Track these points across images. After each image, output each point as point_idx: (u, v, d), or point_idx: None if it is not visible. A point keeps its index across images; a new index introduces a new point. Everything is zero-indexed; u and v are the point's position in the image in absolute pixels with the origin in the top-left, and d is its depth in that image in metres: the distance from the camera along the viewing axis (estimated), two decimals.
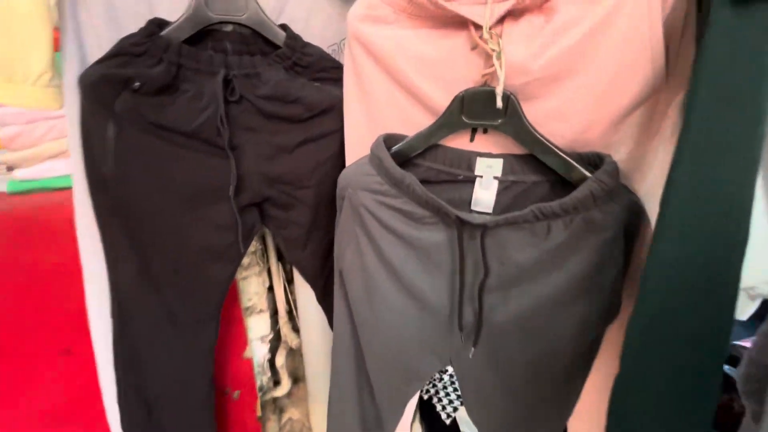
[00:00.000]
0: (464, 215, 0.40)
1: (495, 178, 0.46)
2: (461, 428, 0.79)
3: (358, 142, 0.50)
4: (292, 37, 0.51)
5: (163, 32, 0.47)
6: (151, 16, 0.48)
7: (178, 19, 0.47)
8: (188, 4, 0.47)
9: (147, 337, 0.52)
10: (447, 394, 0.80)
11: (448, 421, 0.81)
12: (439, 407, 0.81)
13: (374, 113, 0.48)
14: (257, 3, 0.49)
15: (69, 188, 0.51)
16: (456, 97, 0.42)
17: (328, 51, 0.55)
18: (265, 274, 0.76)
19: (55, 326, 0.57)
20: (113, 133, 0.46)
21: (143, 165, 0.48)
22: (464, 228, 0.42)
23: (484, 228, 0.41)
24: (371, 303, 0.49)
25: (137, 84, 0.45)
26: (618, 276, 0.39)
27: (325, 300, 0.64)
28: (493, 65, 0.40)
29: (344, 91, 0.49)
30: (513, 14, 0.39)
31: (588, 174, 0.40)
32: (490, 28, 0.39)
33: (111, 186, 0.48)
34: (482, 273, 0.43)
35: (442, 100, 0.44)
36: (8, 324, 0.57)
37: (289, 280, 0.79)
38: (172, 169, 0.49)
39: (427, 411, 0.81)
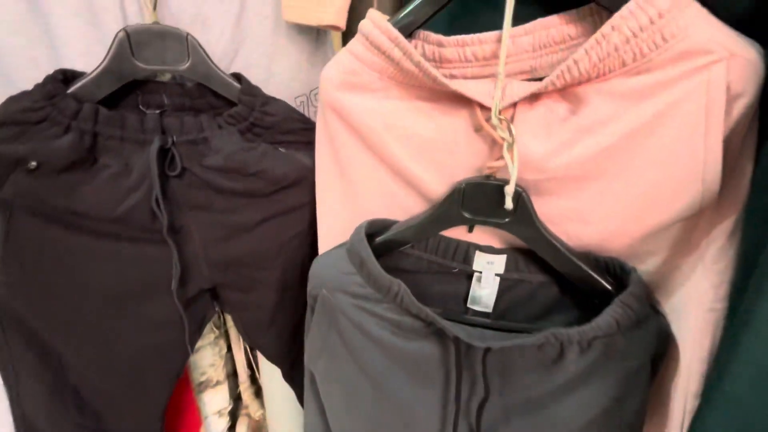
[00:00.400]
0: (465, 335, 0.33)
1: (497, 275, 0.39)
2: None
3: (333, 224, 0.41)
4: (249, 92, 0.40)
5: (72, 89, 0.35)
6: (52, 64, 0.36)
7: (93, 71, 0.36)
8: (107, 49, 0.36)
9: None
10: None
11: None
12: None
13: (353, 192, 0.39)
14: (202, 49, 0.38)
15: None
16: (455, 189, 0.35)
17: (295, 104, 0.45)
18: (222, 340, 0.66)
19: None
20: (2, 228, 0.34)
21: (49, 264, 0.36)
22: (461, 346, 0.35)
23: (487, 349, 0.34)
24: (351, 417, 0.41)
25: (33, 164, 0.33)
26: (641, 410, 0.34)
27: (293, 378, 0.56)
28: (501, 157, 0.32)
29: (317, 162, 0.40)
30: (529, 96, 0.32)
31: (609, 287, 0.34)
32: (500, 112, 0.32)
33: (2, 294, 0.36)
34: (482, 393, 0.36)
35: (437, 186, 0.36)
36: None
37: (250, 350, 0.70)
38: (90, 265, 0.38)
39: None
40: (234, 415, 0.71)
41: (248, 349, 0.70)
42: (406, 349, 0.37)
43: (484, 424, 0.37)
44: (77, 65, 0.36)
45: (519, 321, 0.39)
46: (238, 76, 0.41)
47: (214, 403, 0.66)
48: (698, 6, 0.27)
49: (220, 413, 0.67)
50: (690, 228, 0.31)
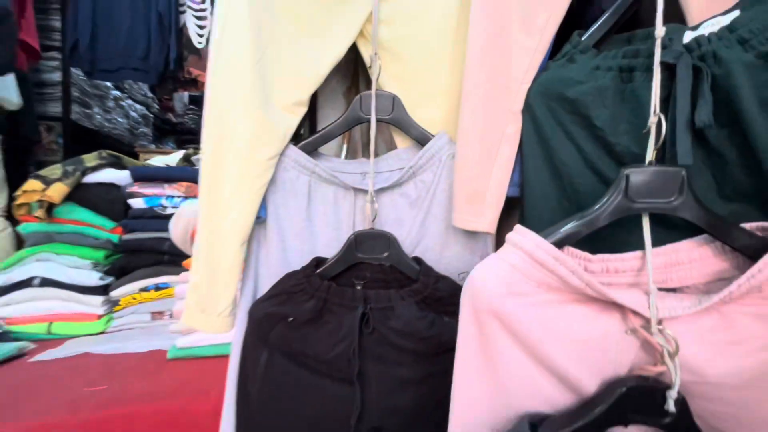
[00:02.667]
0: None
1: None
2: None
3: (472, 415, 0.45)
4: (426, 273, 0.54)
5: (319, 270, 0.55)
6: (311, 253, 0.57)
7: (332, 258, 0.55)
8: (343, 245, 0.56)
9: None
10: None
11: None
12: None
13: (502, 387, 0.44)
14: (398, 245, 0.55)
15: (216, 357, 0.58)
16: (617, 391, 0.38)
17: (458, 279, 0.57)
18: None
19: None
20: (264, 359, 0.52)
21: (284, 388, 0.52)
22: None
23: None
24: None
25: (293, 318, 0.51)
26: None
27: None
28: (657, 362, 0.36)
29: (458, 359, 0.46)
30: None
31: None
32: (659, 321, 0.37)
33: (253, 402, 0.52)
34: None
35: (588, 382, 0.40)
36: None
37: None
38: (306, 393, 0.52)
39: None
40: None
41: None
42: None
43: None
44: (326, 254, 0.57)
45: None
46: (418, 260, 0.56)
47: None
48: None
49: None
50: None
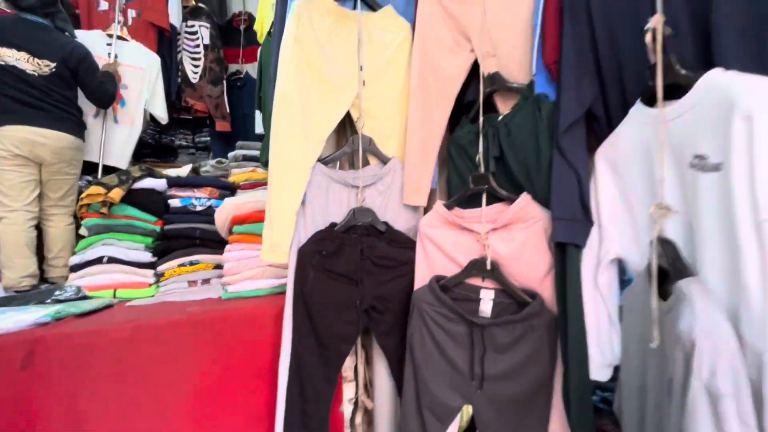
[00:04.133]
0: (474, 319, 0.88)
1: (491, 299, 0.94)
2: None
3: (422, 280, 1.01)
4: (390, 228, 1.07)
5: (335, 228, 1.05)
6: (329, 220, 1.07)
7: (341, 222, 1.06)
8: (345, 215, 1.06)
9: (309, 380, 0.98)
10: None
11: None
12: None
13: (433, 268, 0.99)
14: (376, 215, 1.07)
15: (260, 296, 1.05)
16: (472, 261, 0.94)
17: (406, 231, 1.11)
18: (355, 356, 1.21)
19: (255, 373, 1.04)
20: (311, 275, 1.00)
21: (322, 289, 1.01)
22: (474, 325, 0.89)
23: (483, 326, 0.88)
24: (427, 364, 0.94)
25: (324, 252, 1.01)
26: (552, 359, 0.84)
27: (397, 372, 1.08)
28: (485, 252, 0.93)
29: (416, 258, 1.02)
30: (496, 229, 0.93)
31: (530, 300, 0.88)
32: (486, 235, 0.93)
33: (306, 298, 1.00)
34: (482, 348, 0.88)
35: (463, 262, 0.96)
36: (223, 372, 1.05)
37: (368, 361, 1.23)
38: (333, 289, 1.01)
39: None
40: (356, 404, 1.19)
41: (366, 368, 1.23)
42: (450, 328, 0.92)
43: (485, 366, 0.88)
44: (337, 220, 1.07)
45: (497, 317, 0.92)
46: (386, 223, 1.09)
47: (347, 392, 1.17)
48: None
49: (350, 401, 1.17)
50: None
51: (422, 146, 1.07)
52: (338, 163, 1.17)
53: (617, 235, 0.77)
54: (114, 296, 1.32)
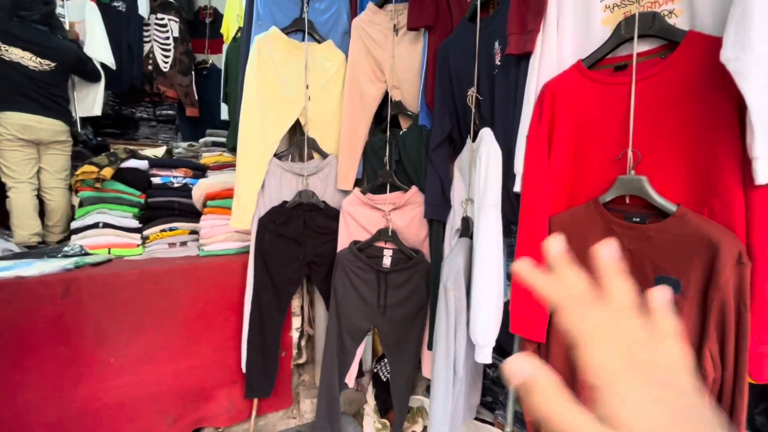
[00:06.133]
0: (380, 268, 1.35)
1: (390, 255, 1.41)
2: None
3: (343, 243, 1.46)
4: (326, 206, 1.50)
5: (286, 205, 1.46)
6: (282, 198, 1.48)
7: (291, 201, 1.47)
8: (294, 196, 1.48)
9: (266, 310, 1.42)
10: (384, 366, 1.64)
11: (385, 379, 1.64)
12: (381, 374, 1.65)
13: (351, 234, 1.45)
14: (317, 197, 1.50)
15: (229, 254, 1.46)
16: (378, 230, 1.40)
17: (338, 208, 1.54)
18: (300, 297, 1.65)
19: (227, 306, 1.46)
20: (267, 237, 1.42)
21: (275, 247, 1.43)
22: (379, 272, 1.36)
23: (386, 272, 1.36)
24: (346, 300, 1.41)
25: (277, 221, 1.43)
26: (426, 288, 1.33)
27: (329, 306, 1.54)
28: (388, 224, 1.39)
29: (339, 228, 1.46)
30: (395, 209, 1.39)
31: (415, 255, 1.36)
32: (388, 212, 1.39)
33: (264, 254, 1.43)
34: (386, 286, 1.36)
35: (373, 229, 1.42)
36: (204, 305, 1.46)
37: (311, 303, 1.69)
38: (283, 248, 1.44)
39: (376, 378, 1.63)
40: (300, 335, 1.66)
41: (308, 307, 1.69)
42: (365, 276, 1.39)
43: (387, 299, 1.37)
44: (288, 199, 1.49)
45: (395, 267, 1.40)
46: (324, 202, 1.51)
47: (295, 323, 1.62)
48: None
49: (296, 330, 1.62)
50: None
51: (351, 147, 1.50)
52: (290, 157, 1.58)
53: (460, 215, 1.25)
54: (109, 253, 1.66)
